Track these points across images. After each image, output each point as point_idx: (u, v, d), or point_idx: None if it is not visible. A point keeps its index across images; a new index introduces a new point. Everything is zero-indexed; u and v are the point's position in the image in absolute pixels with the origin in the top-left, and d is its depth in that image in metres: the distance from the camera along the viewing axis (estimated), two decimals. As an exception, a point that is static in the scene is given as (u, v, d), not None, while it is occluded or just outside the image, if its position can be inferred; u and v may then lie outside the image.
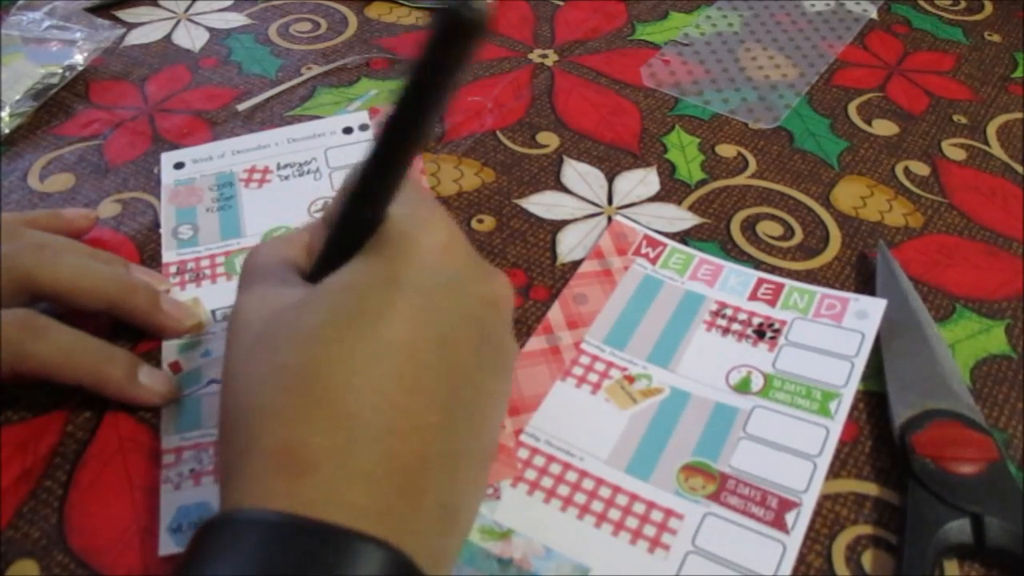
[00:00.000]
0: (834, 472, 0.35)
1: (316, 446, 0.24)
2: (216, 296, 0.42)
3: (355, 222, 0.29)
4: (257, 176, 0.48)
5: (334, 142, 0.50)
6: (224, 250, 0.44)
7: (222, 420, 0.28)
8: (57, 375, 0.35)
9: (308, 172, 0.48)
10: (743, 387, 0.38)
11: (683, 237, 0.45)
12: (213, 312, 0.41)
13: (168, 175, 0.48)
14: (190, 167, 0.49)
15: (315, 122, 0.51)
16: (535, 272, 0.43)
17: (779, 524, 0.33)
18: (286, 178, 0.48)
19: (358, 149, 0.49)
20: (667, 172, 0.49)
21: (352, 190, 0.28)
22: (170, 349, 0.39)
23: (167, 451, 0.35)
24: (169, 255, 0.44)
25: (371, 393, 0.25)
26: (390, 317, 0.26)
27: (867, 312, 0.40)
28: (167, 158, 0.49)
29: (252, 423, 0.26)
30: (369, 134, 0.50)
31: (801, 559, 0.32)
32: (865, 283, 0.43)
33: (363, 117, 0.51)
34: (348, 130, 0.50)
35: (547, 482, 0.35)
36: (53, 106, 0.53)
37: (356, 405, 0.25)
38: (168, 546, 0.32)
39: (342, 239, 0.29)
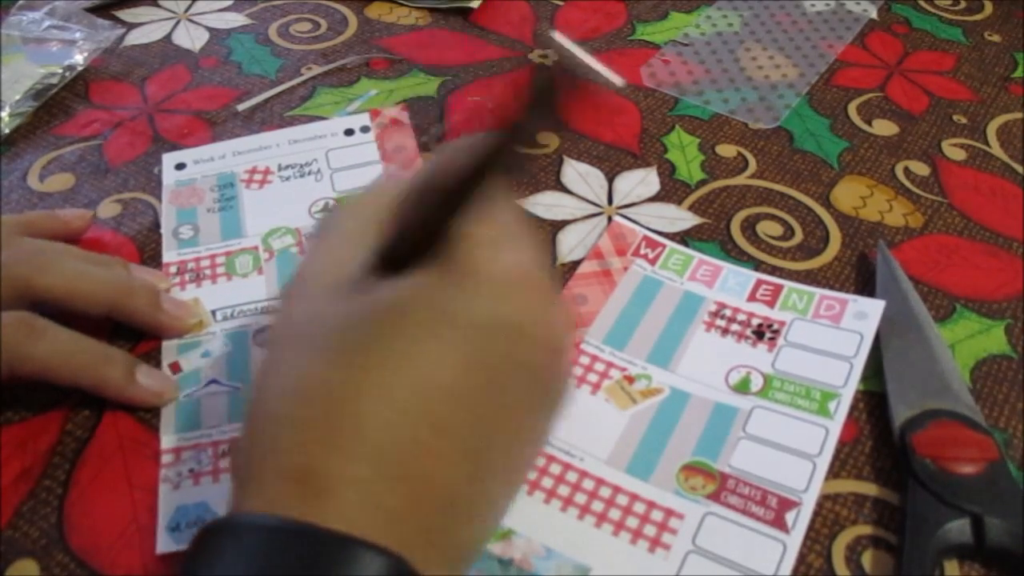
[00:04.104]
0: (834, 472, 0.35)
1: (337, 473, 0.23)
2: (216, 296, 0.42)
3: (423, 229, 0.27)
4: (258, 177, 0.48)
5: (335, 144, 0.50)
6: (225, 250, 0.44)
7: (247, 413, 0.26)
8: (56, 376, 0.35)
9: (309, 173, 0.48)
10: (743, 387, 0.38)
11: (683, 237, 0.45)
12: (213, 312, 0.41)
13: (169, 176, 0.48)
14: (191, 168, 0.49)
15: (317, 123, 0.51)
16: (535, 272, 0.43)
17: (779, 524, 0.33)
18: (287, 179, 0.48)
19: (360, 151, 0.49)
20: (667, 172, 0.49)
21: (424, 197, 0.26)
22: (170, 350, 0.39)
23: (166, 451, 0.35)
24: (170, 255, 0.44)
25: (402, 431, 0.24)
26: (437, 356, 0.24)
27: (866, 313, 0.40)
28: (168, 159, 0.49)
29: (273, 432, 0.24)
30: (370, 136, 0.50)
31: (801, 559, 0.32)
32: (865, 283, 0.43)
33: (364, 119, 0.51)
34: (350, 132, 0.50)
35: (547, 482, 0.35)
36: (53, 106, 0.53)
37: (384, 440, 0.24)
38: (167, 544, 0.32)
39: (408, 240, 0.27)
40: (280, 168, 0.48)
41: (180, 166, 0.49)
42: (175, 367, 0.39)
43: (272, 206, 0.46)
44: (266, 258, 0.43)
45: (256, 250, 0.44)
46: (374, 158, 0.49)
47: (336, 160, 0.49)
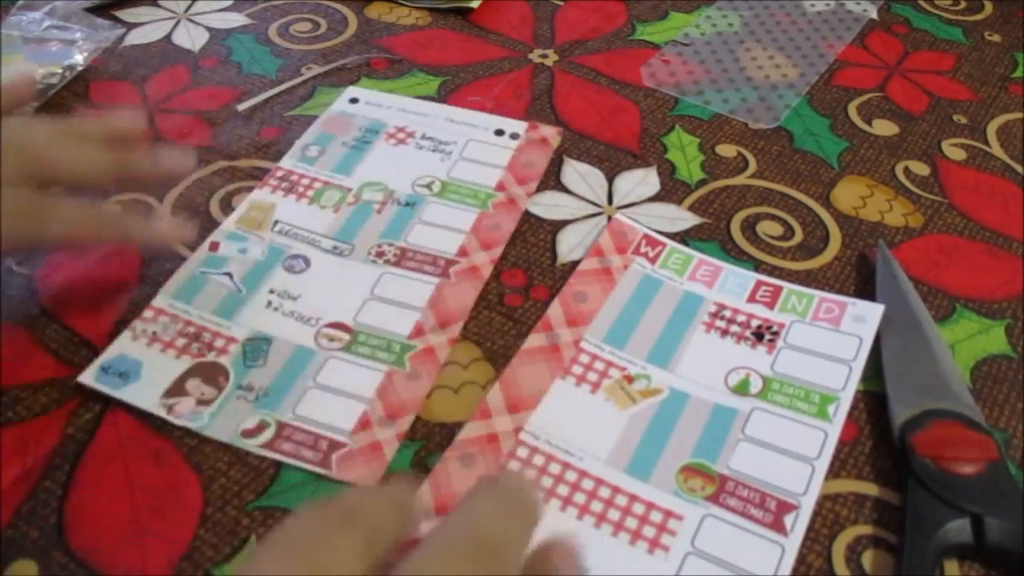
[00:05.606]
0: (834, 472, 0.35)
1: None
2: (287, 211, 0.45)
3: None
4: (401, 136, 0.50)
5: (479, 136, 0.50)
6: (325, 180, 0.47)
7: None
8: (81, 236, 0.38)
9: (440, 151, 0.49)
10: (742, 389, 0.38)
11: (683, 237, 0.45)
12: (275, 223, 0.44)
13: (340, 104, 0.52)
14: (360, 105, 0.52)
15: (477, 113, 0.52)
16: (535, 272, 0.43)
17: (778, 526, 0.33)
18: (420, 148, 0.50)
19: (495, 152, 0.49)
20: (667, 172, 0.49)
21: None
22: (221, 232, 0.44)
23: (152, 307, 0.40)
24: (286, 162, 0.48)
25: None
26: None
27: (864, 316, 0.40)
28: (348, 92, 0.53)
29: None
30: (515, 144, 0.50)
31: (801, 559, 0.32)
32: (865, 283, 0.43)
33: (521, 127, 0.51)
34: (500, 132, 0.51)
35: (547, 481, 0.35)
36: (53, 106, 0.53)
37: None
38: (87, 378, 0.37)
39: None
40: (422, 136, 0.50)
41: (353, 100, 0.53)
42: (213, 246, 0.43)
43: (388, 164, 0.48)
44: (350, 202, 0.46)
45: (348, 192, 0.46)
46: (501, 163, 0.49)
47: (471, 152, 0.50)
